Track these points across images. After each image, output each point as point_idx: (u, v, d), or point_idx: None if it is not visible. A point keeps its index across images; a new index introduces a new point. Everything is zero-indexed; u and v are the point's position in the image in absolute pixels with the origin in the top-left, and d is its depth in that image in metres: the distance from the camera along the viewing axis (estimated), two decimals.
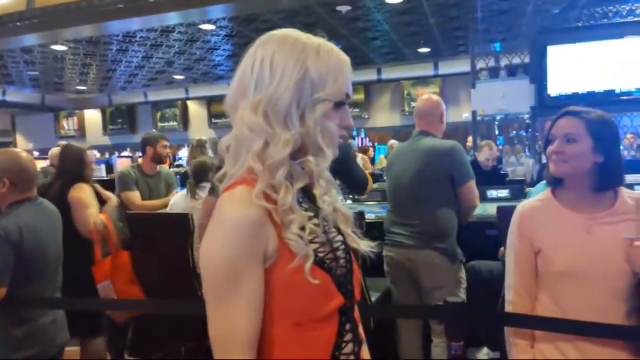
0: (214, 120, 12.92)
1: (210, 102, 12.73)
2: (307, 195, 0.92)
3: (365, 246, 0.95)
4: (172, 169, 5.72)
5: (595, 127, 1.41)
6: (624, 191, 1.45)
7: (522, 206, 1.56)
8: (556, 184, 1.49)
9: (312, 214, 0.88)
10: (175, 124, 13.29)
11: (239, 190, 0.83)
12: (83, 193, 2.75)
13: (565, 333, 1.43)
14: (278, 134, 0.84)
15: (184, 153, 10.54)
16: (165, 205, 3.57)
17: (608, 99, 4.84)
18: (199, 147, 4.34)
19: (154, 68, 10.04)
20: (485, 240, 2.86)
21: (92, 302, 2.50)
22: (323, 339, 0.87)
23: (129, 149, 12.31)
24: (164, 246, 2.85)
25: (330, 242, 0.90)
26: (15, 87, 11.65)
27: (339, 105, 0.88)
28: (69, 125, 14.21)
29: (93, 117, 14.01)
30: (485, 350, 2.82)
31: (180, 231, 2.78)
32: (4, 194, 1.95)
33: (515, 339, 1.54)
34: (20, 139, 14.47)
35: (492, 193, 3.65)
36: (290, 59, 0.85)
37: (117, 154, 11.30)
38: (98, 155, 12.17)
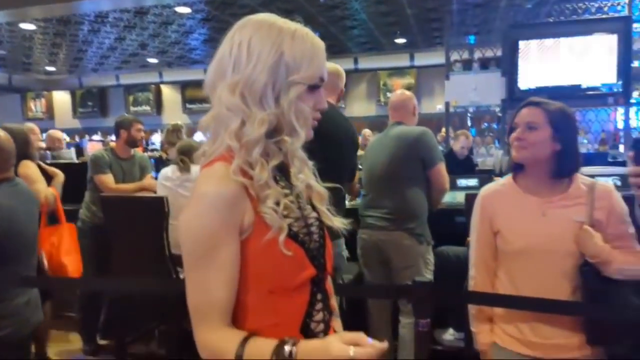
0: (188, 105, 12.78)
1: (185, 86, 12.58)
2: (283, 173, 0.96)
3: (339, 222, 1.00)
4: (146, 153, 5.67)
5: (554, 117, 1.50)
6: (579, 177, 1.55)
7: (484, 189, 1.65)
8: (517, 169, 1.59)
9: (287, 191, 0.93)
10: (148, 108, 13.09)
11: (216, 166, 0.88)
12: (29, 169, 2.84)
13: (520, 309, 1.54)
14: (254, 113, 0.88)
15: (157, 138, 10.42)
16: (139, 189, 3.56)
17: (575, 94, 5.01)
18: (174, 132, 4.33)
19: (127, 50, 9.86)
20: (454, 226, 2.97)
21: (65, 281, 2.51)
22: (295, 306, 0.92)
23: (99, 133, 12.08)
24: (138, 229, 2.86)
25: (304, 217, 0.95)
26: None
27: (313, 88, 0.92)
28: (36, 106, 13.82)
29: (62, 99, 13.66)
30: (451, 330, 2.94)
31: (155, 214, 2.79)
32: None
33: (476, 324, 1.64)
34: None
35: (462, 182, 3.76)
36: (266, 42, 0.89)
37: (87, 137, 11.07)
38: (67, 139, 11.91)
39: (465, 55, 5.88)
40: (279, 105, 0.89)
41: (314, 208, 0.99)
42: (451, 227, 2.99)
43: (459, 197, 3.04)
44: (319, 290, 0.96)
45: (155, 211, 2.79)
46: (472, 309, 1.67)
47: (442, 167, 2.62)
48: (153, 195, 3.29)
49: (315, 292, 0.95)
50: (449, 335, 2.94)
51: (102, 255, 3.41)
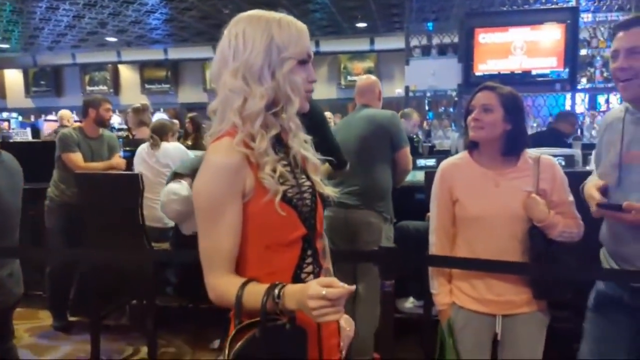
0: (146, 86, 12.54)
1: (143, 66, 12.33)
2: (282, 146, 1.13)
3: (330, 191, 1.18)
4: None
5: (506, 100, 1.70)
6: (527, 152, 1.76)
7: (444, 163, 1.85)
8: (472, 146, 1.79)
9: (284, 162, 1.10)
10: (105, 87, 12.76)
11: (223, 140, 1.05)
12: None
13: (476, 270, 1.74)
14: (254, 90, 1.05)
15: (115, 119, 10.22)
16: (108, 167, 3.61)
17: (525, 80, 5.33)
18: (143, 111, 4.37)
19: (85, 28, 9.59)
20: (414, 203, 3.20)
21: (44, 251, 2.56)
22: (287, 259, 1.09)
23: (54, 113, 11.70)
24: (113, 204, 2.92)
25: (298, 185, 1.11)
26: None
27: (302, 62, 1.09)
28: None
29: (14, 77, 13.12)
30: (411, 299, 3.18)
31: (130, 190, 2.87)
32: None
33: (436, 285, 1.82)
34: None
35: (421, 162, 4.00)
36: (257, 30, 1.07)
37: (43, 117, 10.73)
38: (20, 118, 11.50)
39: (424, 41, 6.10)
40: (275, 79, 1.06)
41: (308, 178, 1.15)
42: (411, 203, 3.22)
43: (419, 175, 3.26)
44: (309, 247, 1.12)
45: (132, 187, 2.87)
46: (432, 271, 1.84)
47: (407, 150, 2.85)
48: (128, 172, 3.36)
49: (305, 248, 1.11)
50: (409, 303, 3.18)
51: (71, 232, 3.45)
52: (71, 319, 3.63)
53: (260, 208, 1.04)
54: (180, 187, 2.65)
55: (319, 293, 0.91)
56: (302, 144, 1.15)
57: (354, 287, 0.96)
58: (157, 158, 3.48)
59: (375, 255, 1.92)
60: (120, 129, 5.84)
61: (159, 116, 8.45)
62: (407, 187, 3.16)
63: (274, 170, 1.05)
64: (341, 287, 0.93)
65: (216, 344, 3.17)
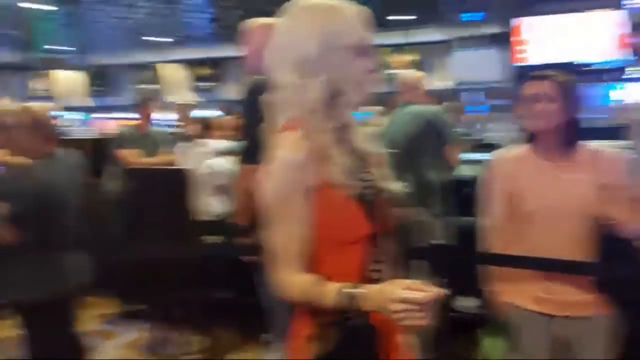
0: (193, 83, 12.81)
1: (190, 65, 12.60)
2: (344, 141, 1.09)
3: (395, 186, 1.14)
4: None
5: (563, 88, 1.62)
6: (585, 144, 1.67)
7: (498, 154, 1.78)
8: (529, 138, 1.72)
9: (347, 154, 1.06)
10: (153, 86, 13.12)
11: (287, 135, 1.03)
12: None
13: (532, 269, 1.65)
14: (310, 83, 1.03)
15: (162, 115, 10.50)
16: (159, 163, 3.72)
17: (579, 69, 5.11)
18: (189, 108, 4.49)
19: (134, 29, 9.89)
20: (462, 197, 3.13)
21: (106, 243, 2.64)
22: (356, 257, 1.05)
23: (108, 110, 12.17)
24: (164, 199, 3.01)
25: (363, 180, 1.07)
26: None
27: (360, 51, 1.05)
28: (41, 85, 13.85)
29: (70, 77, 13.70)
30: (467, 298, 3.08)
31: (177, 184, 2.95)
32: (24, 144, 2.07)
33: (493, 285, 1.75)
34: None
35: (467, 156, 3.89)
36: (310, 20, 1.04)
37: (97, 115, 11.18)
38: (80, 116, 12.05)
39: (470, 32, 5.95)
40: (330, 71, 1.03)
41: (372, 171, 1.12)
42: (459, 198, 3.15)
43: (466, 169, 3.18)
44: (378, 245, 1.08)
45: (178, 181, 2.95)
46: (488, 270, 1.77)
47: (455, 145, 2.82)
48: (176, 167, 3.46)
49: (373, 246, 1.07)
50: (465, 302, 3.09)
51: (128, 224, 3.58)
52: (134, 308, 3.77)
53: (326, 204, 1.02)
54: (222, 162, 2.69)
55: (403, 296, 0.87)
56: (364, 137, 1.12)
57: (443, 290, 0.90)
58: (200, 153, 3.51)
59: (426, 252, 1.88)
60: (170, 125, 5.99)
61: (210, 113, 8.62)
62: (454, 181, 3.10)
63: (339, 164, 1.02)
64: (429, 291, 0.88)
65: (266, 337, 3.20)
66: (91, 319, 3.49)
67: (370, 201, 1.07)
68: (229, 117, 4.69)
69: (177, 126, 5.26)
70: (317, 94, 1.02)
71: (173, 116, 5.61)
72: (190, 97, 9.92)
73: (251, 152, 1.89)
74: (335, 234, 1.04)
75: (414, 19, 9.55)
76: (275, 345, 2.19)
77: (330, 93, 1.04)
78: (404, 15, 9.22)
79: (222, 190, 2.98)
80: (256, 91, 1.94)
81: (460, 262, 2.14)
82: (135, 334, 3.46)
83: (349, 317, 0.96)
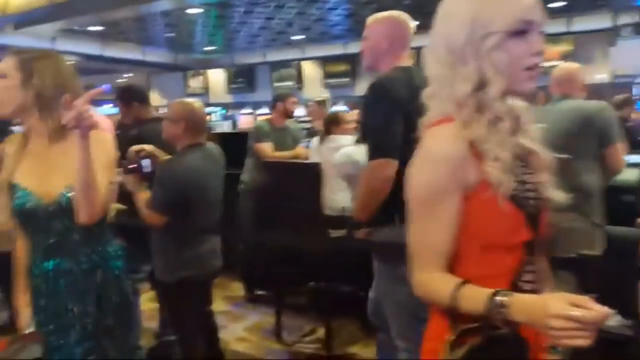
0: (327, 80, 13.15)
1: (325, 62, 12.94)
2: (505, 134, 0.98)
3: (558, 195, 1.01)
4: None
5: None
6: None
7: None
8: None
9: (508, 150, 0.95)
10: (290, 83, 13.73)
11: (443, 127, 0.97)
12: None
13: None
14: (460, 73, 0.96)
15: (299, 112, 10.95)
16: (293, 157, 3.87)
17: None
18: (324, 104, 4.59)
19: (275, 29, 10.44)
20: (622, 206, 2.75)
21: (239, 231, 2.81)
22: (506, 264, 0.97)
23: (248, 107, 13.05)
24: (296, 191, 3.12)
25: (524, 181, 0.98)
26: (152, 47, 12.79)
27: (518, 34, 0.93)
28: (195, 83, 15.29)
29: (217, 76, 14.97)
30: (617, 316, 2.74)
31: (311, 178, 3.03)
32: (179, 136, 2.29)
33: None
34: (154, 95, 15.93)
35: (633, 158, 3.42)
36: (458, 6, 0.97)
37: (239, 110, 12.06)
38: (222, 112, 13.16)
39: (637, 19, 5.23)
40: (480, 58, 0.94)
41: (534, 174, 1.01)
42: (618, 206, 2.77)
43: (628, 174, 2.80)
44: (531, 254, 1.00)
45: (312, 175, 3.03)
46: None
47: (620, 147, 2.46)
48: (310, 161, 3.56)
49: (527, 254, 0.99)
50: (614, 321, 2.75)
51: (260, 215, 3.79)
52: (259, 292, 4.00)
53: (482, 204, 0.94)
54: (356, 151, 2.70)
55: (567, 313, 0.78)
56: (526, 133, 1.00)
57: (609, 311, 0.80)
58: (328, 148, 3.54)
59: (574, 263, 1.67)
60: (302, 121, 6.23)
61: (338, 109, 8.83)
62: (613, 186, 2.74)
63: (499, 161, 0.93)
64: (596, 309, 0.78)
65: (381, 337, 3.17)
66: (219, 300, 3.77)
67: (531, 206, 0.97)
68: (352, 112, 4.71)
69: (310, 122, 5.45)
70: (464, 85, 0.95)
71: (306, 112, 5.85)
72: (324, 94, 10.24)
73: (377, 148, 1.88)
74: (487, 237, 0.96)
75: (575, 4, 8.65)
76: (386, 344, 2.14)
77: (481, 83, 0.95)
78: (562, 1, 8.37)
79: (347, 184, 2.99)
80: (378, 87, 1.92)
81: (612, 276, 1.89)
82: (258, 318, 3.64)
83: (494, 326, 0.87)
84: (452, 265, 0.98)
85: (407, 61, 2.05)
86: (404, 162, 1.80)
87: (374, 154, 1.87)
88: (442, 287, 0.94)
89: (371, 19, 2.09)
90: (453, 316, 0.93)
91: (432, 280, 0.96)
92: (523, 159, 0.99)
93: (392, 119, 1.84)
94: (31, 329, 1.57)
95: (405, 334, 1.97)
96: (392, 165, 1.81)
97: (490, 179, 0.92)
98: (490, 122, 0.95)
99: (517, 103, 1.00)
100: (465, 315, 0.91)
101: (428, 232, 0.96)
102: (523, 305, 0.84)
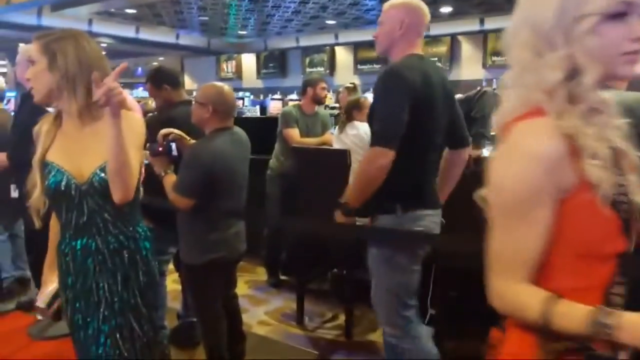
0: (359, 67, 13.03)
1: (357, 47, 12.81)
2: (597, 125, 0.89)
3: None
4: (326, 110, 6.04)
5: None
6: None
7: None
8: None
9: (605, 146, 0.86)
10: (322, 69, 13.66)
11: (535, 121, 0.86)
12: None
13: None
14: (548, 60, 0.86)
15: (328, 97, 10.89)
16: (321, 143, 3.85)
17: None
18: (354, 90, 4.54)
19: (309, 13, 10.37)
20: None
21: (264, 215, 2.82)
22: (600, 275, 0.88)
23: (278, 92, 13.05)
24: (323, 177, 3.11)
25: (619, 183, 0.87)
26: (186, 30, 12.90)
27: (615, 17, 0.83)
28: (227, 68, 15.38)
29: (249, 61, 15.02)
30: None
31: (339, 165, 3.01)
32: (207, 119, 2.29)
33: None
34: (187, 79, 16.14)
35: None
36: None
37: (270, 96, 12.06)
38: (252, 97, 13.16)
39: None
40: (571, 44, 0.85)
41: (626, 176, 0.90)
42: None
43: None
44: (621, 264, 0.91)
45: (340, 162, 3.01)
46: None
47: None
48: (338, 148, 3.54)
49: (618, 265, 0.89)
50: None
51: (286, 200, 3.81)
52: (282, 277, 4.04)
53: (580, 207, 0.84)
54: (363, 144, 2.66)
55: None
56: (615, 129, 0.90)
57: None
58: (347, 134, 3.49)
59: None
60: (332, 107, 6.18)
61: (369, 96, 8.72)
62: None
63: (599, 159, 0.83)
64: None
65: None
66: (242, 284, 3.81)
67: (626, 211, 0.87)
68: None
69: (339, 108, 5.41)
70: (553, 72, 0.85)
71: (336, 99, 5.80)
72: (354, 80, 10.16)
73: (379, 136, 1.88)
74: (583, 245, 0.87)
75: None
76: None
77: (572, 71, 0.86)
78: None
79: None
80: (393, 75, 1.91)
81: None
82: (280, 302, 3.67)
83: (591, 347, 0.82)
84: (539, 276, 0.88)
85: (420, 49, 2.03)
86: (402, 151, 1.84)
87: (375, 141, 1.89)
88: (530, 301, 0.85)
89: (387, 4, 2.04)
90: (542, 333, 0.85)
91: (518, 293, 0.87)
92: (614, 159, 0.88)
93: (401, 109, 1.84)
94: (43, 305, 1.61)
95: (392, 320, 2.02)
96: (389, 155, 1.83)
97: (589, 179, 0.83)
98: (585, 115, 0.86)
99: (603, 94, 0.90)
100: (557, 334, 0.83)
101: (517, 238, 0.86)
102: (632, 327, 0.78)
